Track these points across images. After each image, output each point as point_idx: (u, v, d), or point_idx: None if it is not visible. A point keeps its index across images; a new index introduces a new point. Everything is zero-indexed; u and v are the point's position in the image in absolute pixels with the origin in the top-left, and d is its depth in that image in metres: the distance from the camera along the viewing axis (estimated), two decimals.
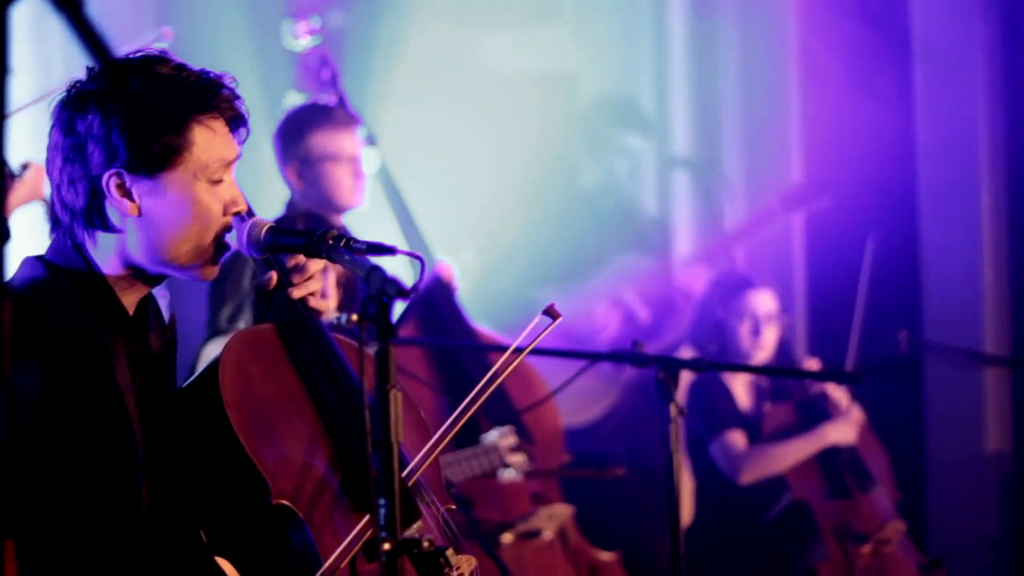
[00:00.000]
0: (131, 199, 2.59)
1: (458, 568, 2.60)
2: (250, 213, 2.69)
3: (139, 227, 2.60)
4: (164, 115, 2.58)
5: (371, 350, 2.39)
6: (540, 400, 4.82)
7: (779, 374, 5.69)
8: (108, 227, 2.61)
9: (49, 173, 2.64)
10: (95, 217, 2.60)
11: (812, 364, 5.65)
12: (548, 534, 5.00)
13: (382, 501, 2.32)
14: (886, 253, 5.96)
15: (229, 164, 2.66)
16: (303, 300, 2.76)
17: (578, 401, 5.89)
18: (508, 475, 4.82)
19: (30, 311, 2.54)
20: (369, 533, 2.59)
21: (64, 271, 2.62)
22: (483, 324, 5.32)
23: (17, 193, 4.02)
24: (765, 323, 5.54)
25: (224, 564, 2.61)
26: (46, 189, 2.72)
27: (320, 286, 2.79)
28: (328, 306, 2.82)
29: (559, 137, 6.86)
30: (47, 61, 5.32)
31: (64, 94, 2.63)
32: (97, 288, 2.61)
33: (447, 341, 5.02)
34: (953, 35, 6.43)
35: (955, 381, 6.31)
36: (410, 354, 4.89)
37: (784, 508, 5.44)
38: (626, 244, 6.77)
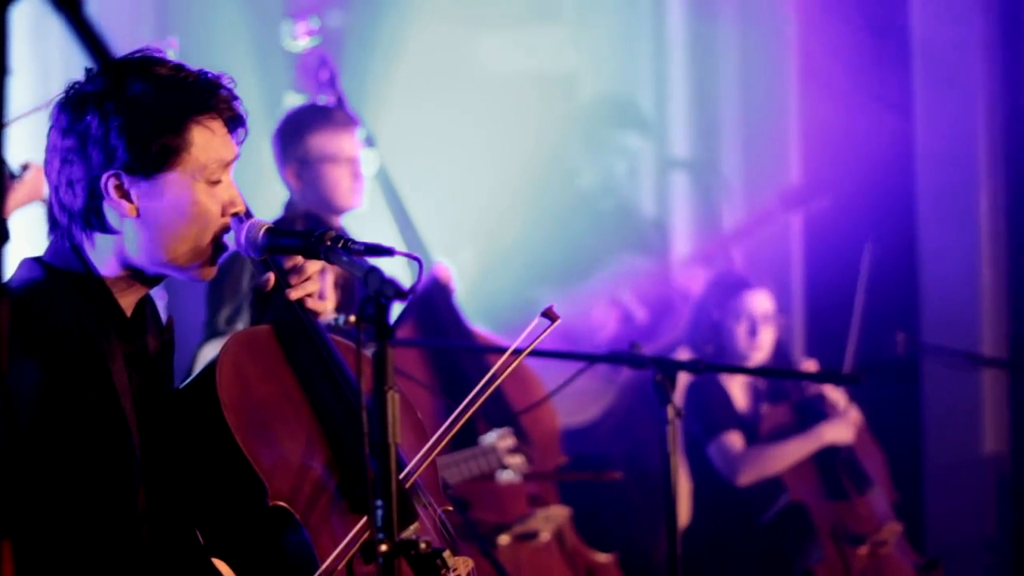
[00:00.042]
0: (129, 200, 2.59)
1: (455, 569, 2.60)
2: (248, 214, 2.69)
3: (137, 228, 2.60)
4: (162, 116, 2.58)
5: (369, 351, 2.39)
6: (538, 402, 4.82)
7: (776, 375, 5.68)
8: (106, 228, 2.60)
9: (47, 174, 2.64)
10: (93, 218, 2.60)
11: (810, 365, 5.65)
12: (545, 536, 5.00)
13: (379, 502, 2.32)
14: (884, 254, 5.95)
15: (227, 165, 2.66)
16: (301, 301, 2.75)
17: (575, 402, 5.88)
18: (506, 476, 4.82)
19: (28, 312, 2.53)
20: (366, 535, 2.59)
21: (62, 272, 2.61)
22: (481, 325, 5.32)
23: (17, 194, 4.02)
24: (762, 324, 5.54)
25: (221, 566, 2.61)
26: (46, 190, 2.71)
27: (318, 287, 2.79)
28: (326, 307, 2.81)
29: (558, 138, 6.86)
30: (46, 61, 5.32)
31: (63, 95, 2.62)
32: (95, 289, 2.61)
33: (445, 343, 5.02)
34: (952, 37, 6.43)
35: (952, 383, 6.31)
36: (408, 355, 4.88)
37: (781, 509, 5.44)
38: (624, 244, 6.77)
